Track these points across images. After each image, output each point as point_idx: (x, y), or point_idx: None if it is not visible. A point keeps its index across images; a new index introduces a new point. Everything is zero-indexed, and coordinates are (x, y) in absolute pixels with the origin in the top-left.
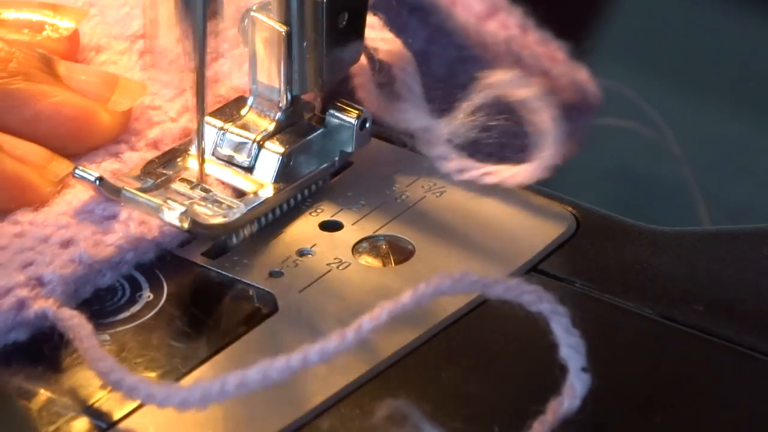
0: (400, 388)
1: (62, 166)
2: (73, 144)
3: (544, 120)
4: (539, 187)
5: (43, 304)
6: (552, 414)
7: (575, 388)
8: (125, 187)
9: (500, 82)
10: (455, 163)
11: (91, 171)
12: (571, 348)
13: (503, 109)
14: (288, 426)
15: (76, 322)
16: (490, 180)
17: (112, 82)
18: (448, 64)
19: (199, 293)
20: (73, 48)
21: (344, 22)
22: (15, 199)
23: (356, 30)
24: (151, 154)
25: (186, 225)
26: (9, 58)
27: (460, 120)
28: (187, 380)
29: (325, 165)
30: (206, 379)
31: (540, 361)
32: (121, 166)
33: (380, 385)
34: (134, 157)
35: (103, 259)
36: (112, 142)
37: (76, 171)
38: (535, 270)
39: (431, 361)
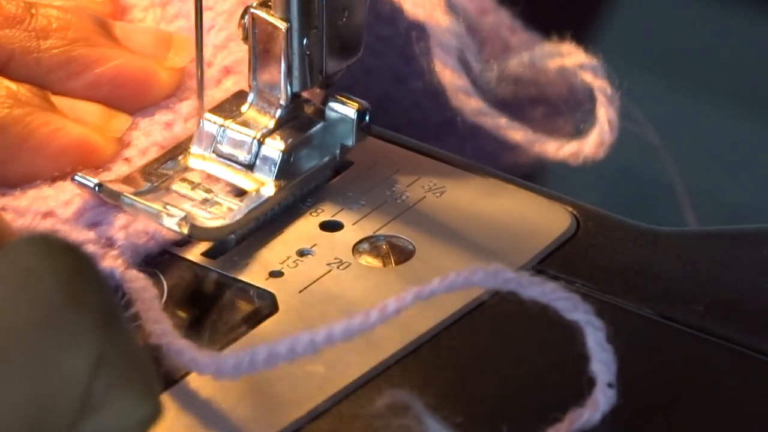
0: (404, 387)
1: (121, 121)
2: (133, 104)
3: (604, 115)
4: (539, 187)
5: (112, 264)
6: (569, 423)
7: (599, 402)
8: (124, 193)
9: (570, 56)
10: (498, 120)
11: (90, 177)
12: (602, 363)
13: (550, 80)
14: (288, 426)
15: (141, 285)
16: (534, 150)
17: (167, 40)
18: None
19: (199, 293)
20: (116, 9)
21: (344, 18)
22: (81, 163)
23: (356, 26)
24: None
25: (186, 230)
26: (67, 26)
27: (505, 70)
28: (191, 378)
29: (326, 160)
30: (239, 350)
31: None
32: (173, 116)
33: (382, 385)
34: (184, 107)
35: (172, 240)
36: None
37: (76, 177)
38: (535, 270)
39: (438, 360)
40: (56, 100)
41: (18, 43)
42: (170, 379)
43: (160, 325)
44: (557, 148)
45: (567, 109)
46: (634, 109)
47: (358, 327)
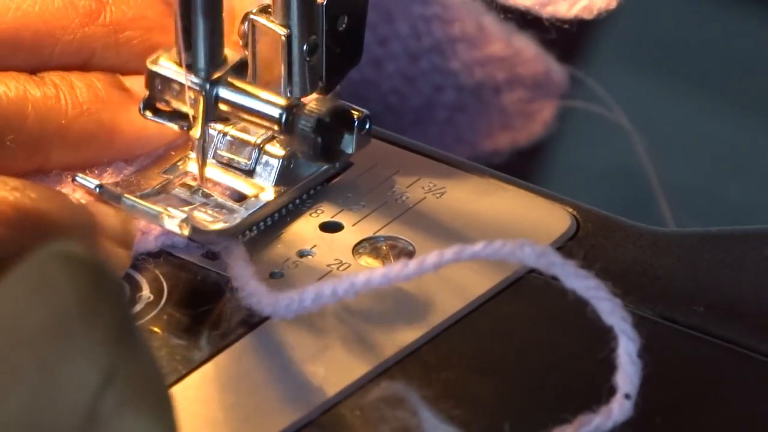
0: (409, 385)
1: (136, 80)
2: None
3: None
4: (539, 188)
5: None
6: (576, 427)
7: (613, 411)
8: (125, 195)
9: None
10: None
11: (91, 179)
12: (627, 375)
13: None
14: (288, 426)
15: (227, 245)
16: (546, 11)
17: (231, 14)
18: (411, 21)
19: (199, 294)
20: None
21: (344, 25)
22: (162, 146)
23: (356, 33)
24: None
25: (186, 232)
26: (142, 15)
27: None
28: (191, 379)
29: (325, 167)
30: (291, 292)
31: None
32: None
33: (382, 385)
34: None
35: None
36: None
37: (77, 178)
38: (533, 271)
39: (438, 360)
40: (128, 81)
41: (98, 39)
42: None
43: (239, 267)
44: (569, 6)
45: (541, 94)
46: (603, 92)
47: (395, 275)
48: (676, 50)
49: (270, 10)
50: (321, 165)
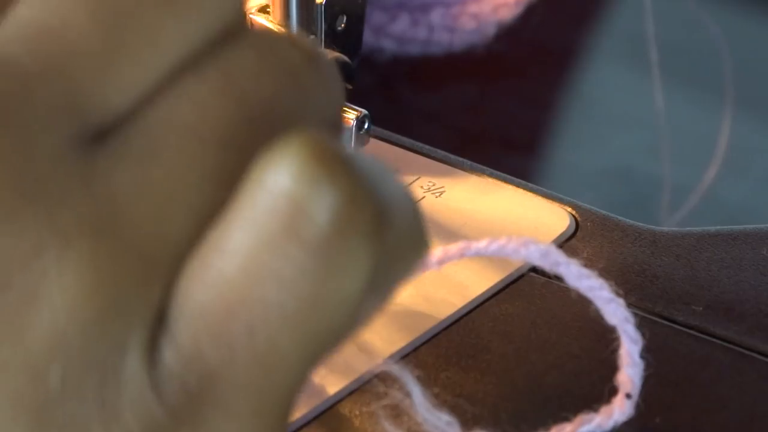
0: (403, 387)
1: None
2: None
3: None
4: (538, 188)
5: None
6: (576, 425)
7: (614, 412)
8: None
9: None
10: None
11: None
12: (628, 376)
13: None
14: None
15: None
16: None
17: None
18: None
19: None
20: None
21: (342, 25)
22: None
23: (355, 33)
24: None
25: None
26: None
27: None
28: None
29: None
30: None
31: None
32: None
33: (381, 385)
34: None
35: None
36: None
37: None
38: (534, 270)
39: (438, 360)
40: None
41: None
42: None
43: None
44: None
45: None
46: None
47: None
48: (677, 49)
49: (269, 9)
50: None
